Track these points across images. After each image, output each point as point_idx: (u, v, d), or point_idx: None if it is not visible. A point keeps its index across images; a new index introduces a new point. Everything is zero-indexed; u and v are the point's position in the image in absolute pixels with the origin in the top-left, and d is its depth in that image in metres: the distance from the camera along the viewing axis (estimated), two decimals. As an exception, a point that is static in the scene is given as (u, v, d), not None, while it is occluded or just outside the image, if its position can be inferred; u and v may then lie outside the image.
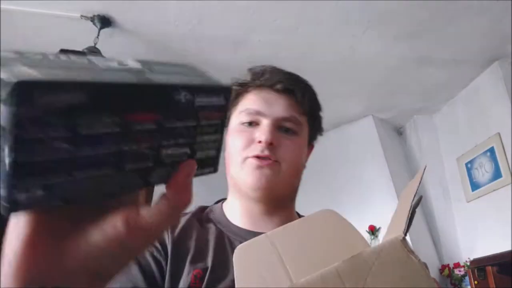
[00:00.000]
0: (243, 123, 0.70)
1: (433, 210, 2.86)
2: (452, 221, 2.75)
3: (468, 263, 2.36)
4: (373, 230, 2.68)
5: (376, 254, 0.35)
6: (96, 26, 2.13)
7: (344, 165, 3.07)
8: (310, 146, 0.78)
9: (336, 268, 0.35)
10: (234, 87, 0.74)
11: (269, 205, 0.70)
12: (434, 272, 2.56)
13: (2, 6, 2.05)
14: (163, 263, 0.62)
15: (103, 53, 2.05)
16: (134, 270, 0.60)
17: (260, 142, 0.66)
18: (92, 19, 2.12)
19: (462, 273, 2.49)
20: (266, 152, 0.66)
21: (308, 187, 3.67)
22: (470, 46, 2.36)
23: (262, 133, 0.67)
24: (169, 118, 0.26)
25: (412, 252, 0.35)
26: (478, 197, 2.54)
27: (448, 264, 2.60)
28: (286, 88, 0.71)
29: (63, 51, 2.00)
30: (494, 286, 2.04)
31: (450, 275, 2.54)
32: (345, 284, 0.34)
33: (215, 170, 0.32)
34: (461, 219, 2.70)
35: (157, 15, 2.13)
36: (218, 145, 0.31)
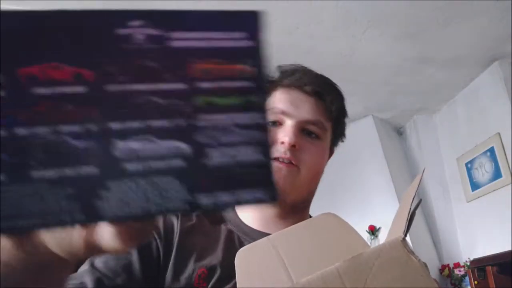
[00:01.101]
0: None
1: (433, 210, 2.86)
2: (452, 221, 2.75)
3: (468, 263, 2.36)
4: (373, 230, 2.68)
5: (376, 254, 0.35)
6: (96, 26, 2.13)
7: (344, 165, 3.07)
8: (331, 151, 0.77)
9: (336, 268, 0.35)
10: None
11: (283, 208, 0.69)
12: (434, 272, 2.56)
13: (2, 6, 2.05)
14: (161, 250, 0.61)
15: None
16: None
17: (283, 143, 0.64)
18: (92, 19, 2.13)
19: (462, 273, 2.50)
20: (288, 154, 0.64)
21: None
22: (470, 46, 2.36)
23: (285, 134, 0.65)
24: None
25: (412, 252, 0.35)
26: (478, 197, 2.53)
27: (448, 264, 2.60)
28: (316, 90, 0.69)
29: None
30: (494, 286, 2.04)
31: (450, 275, 2.55)
32: (346, 284, 0.34)
33: (272, 198, 0.21)
34: (461, 219, 2.70)
35: (157, 15, 2.13)
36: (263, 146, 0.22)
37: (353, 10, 2.08)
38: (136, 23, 0.21)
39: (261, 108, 0.21)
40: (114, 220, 0.20)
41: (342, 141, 0.79)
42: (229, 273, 0.59)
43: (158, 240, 0.62)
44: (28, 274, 0.25)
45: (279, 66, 0.74)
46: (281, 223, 0.69)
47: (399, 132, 3.35)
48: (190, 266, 0.60)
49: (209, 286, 0.58)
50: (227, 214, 0.71)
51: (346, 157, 3.10)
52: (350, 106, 2.92)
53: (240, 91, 0.21)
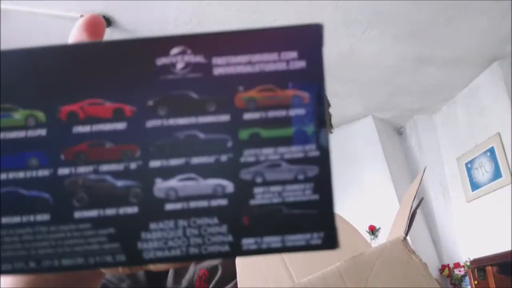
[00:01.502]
0: None
1: (433, 210, 2.86)
2: (452, 221, 2.75)
3: (468, 263, 2.36)
4: (373, 230, 2.68)
5: (377, 254, 0.35)
6: (96, 26, 2.13)
7: (344, 165, 3.08)
8: None
9: (338, 268, 0.35)
10: None
11: None
12: (434, 272, 2.57)
13: (2, 6, 2.05)
14: None
15: (103, 53, 2.05)
16: None
17: None
18: (92, 19, 2.13)
19: (462, 273, 2.50)
20: None
21: (308, 187, 3.67)
22: (470, 46, 2.36)
23: None
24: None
25: (413, 252, 0.35)
26: (478, 197, 2.54)
27: (448, 264, 2.60)
28: None
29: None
30: (494, 286, 2.04)
31: (450, 275, 2.55)
32: (347, 283, 0.34)
33: (330, 244, 0.19)
34: (461, 219, 2.70)
35: (157, 15, 2.13)
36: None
37: (353, 10, 2.08)
38: (176, 50, 0.20)
39: (317, 139, 0.19)
40: (154, 262, 0.19)
41: (331, 132, 0.79)
42: (230, 273, 0.60)
43: None
44: (68, 282, 0.27)
45: None
46: None
47: (399, 132, 3.35)
48: (191, 268, 0.61)
49: (210, 286, 0.59)
50: None
51: (346, 157, 3.10)
52: (350, 106, 2.93)
53: (291, 120, 0.19)
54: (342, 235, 0.49)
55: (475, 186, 2.58)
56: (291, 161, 0.19)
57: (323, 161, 0.19)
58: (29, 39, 2.34)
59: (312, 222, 0.19)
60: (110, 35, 2.25)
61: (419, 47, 2.36)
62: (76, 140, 0.19)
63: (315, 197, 0.19)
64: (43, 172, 0.19)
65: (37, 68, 0.20)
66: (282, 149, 0.19)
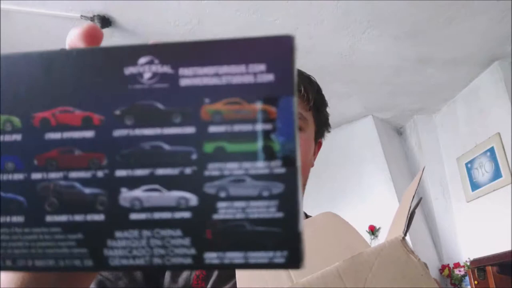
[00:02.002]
0: None
1: (433, 210, 2.86)
2: (452, 221, 2.75)
3: (468, 263, 2.36)
4: (373, 230, 2.68)
5: (376, 254, 0.35)
6: (96, 26, 2.13)
7: (344, 165, 3.08)
8: (318, 143, 0.76)
9: (336, 268, 0.35)
10: None
11: None
12: (434, 272, 2.57)
13: (2, 6, 2.05)
14: None
15: (103, 53, 2.05)
16: None
17: None
18: (92, 19, 2.13)
19: (462, 273, 2.50)
20: None
21: (308, 187, 3.66)
22: (470, 46, 2.36)
23: None
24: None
25: (412, 252, 0.35)
26: (478, 197, 2.54)
27: (448, 264, 2.60)
28: None
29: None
30: (494, 286, 2.04)
31: (450, 275, 2.55)
32: (346, 284, 0.34)
33: (294, 262, 0.19)
34: (461, 219, 2.70)
35: (157, 15, 2.13)
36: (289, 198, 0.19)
37: (353, 10, 2.08)
38: (144, 60, 0.19)
39: (283, 156, 0.18)
40: (119, 269, 0.20)
41: (328, 131, 0.79)
42: (228, 272, 0.59)
43: None
44: (61, 280, 0.28)
45: None
46: None
47: (399, 132, 3.35)
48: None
49: (208, 286, 0.58)
50: None
51: (346, 157, 3.10)
52: (350, 106, 2.92)
53: (256, 135, 0.19)
54: (341, 235, 0.49)
55: (475, 186, 2.58)
56: (256, 177, 0.18)
57: (289, 178, 0.18)
58: (29, 39, 2.34)
59: (275, 240, 0.18)
60: (110, 35, 2.25)
61: (419, 47, 2.36)
62: (48, 147, 0.20)
63: (279, 215, 0.18)
64: (18, 176, 0.20)
65: (14, 74, 0.20)
66: (247, 164, 0.19)
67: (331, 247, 0.42)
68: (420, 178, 0.44)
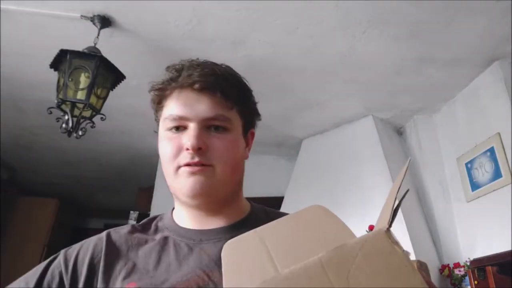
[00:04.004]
0: (170, 129, 0.68)
1: (433, 210, 2.86)
2: (452, 221, 2.75)
3: (468, 263, 2.36)
4: (373, 230, 2.68)
5: (360, 245, 0.35)
6: (96, 26, 2.13)
7: (344, 165, 3.08)
8: (250, 134, 0.76)
9: (320, 259, 0.35)
10: (153, 93, 0.71)
11: (211, 207, 0.70)
12: (434, 272, 2.56)
13: (2, 6, 2.05)
14: (66, 282, 0.64)
15: (103, 53, 2.05)
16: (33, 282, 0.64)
17: (188, 149, 0.65)
18: (92, 19, 2.13)
19: (462, 273, 2.49)
20: (196, 159, 0.64)
21: (308, 187, 3.67)
22: (470, 46, 2.36)
23: (188, 139, 0.65)
24: None
25: (396, 243, 0.35)
26: (478, 197, 2.53)
27: (448, 264, 2.60)
28: (205, 87, 0.67)
29: (63, 51, 2.00)
30: (494, 286, 2.04)
31: (450, 275, 2.54)
32: (328, 274, 0.33)
33: None
34: (461, 219, 2.70)
35: (157, 15, 2.13)
36: None
37: (353, 10, 2.08)
38: None
39: None
40: None
41: (259, 119, 0.78)
42: (160, 278, 0.62)
43: (64, 274, 0.65)
44: None
45: (167, 67, 0.71)
46: (216, 218, 0.70)
47: (399, 132, 3.35)
48: (118, 284, 0.62)
49: None
50: (163, 222, 0.73)
51: (346, 157, 3.10)
52: (350, 106, 2.93)
53: None
54: (328, 227, 0.49)
55: (475, 186, 2.58)
56: None
57: None
58: (29, 39, 2.34)
59: None
60: (110, 35, 2.25)
61: (419, 47, 2.36)
62: None
63: None
64: None
65: None
66: None
67: (318, 238, 0.42)
68: (406, 171, 0.43)
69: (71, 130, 1.99)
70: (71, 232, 5.28)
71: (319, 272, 0.33)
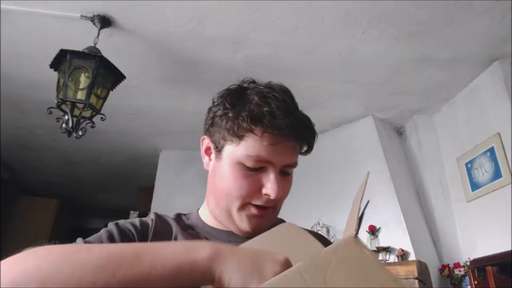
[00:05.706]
0: (247, 166, 0.66)
1: (433, 210, 2.86)
2: (452, 221, 2.75)
3: (468, 263, 2.36)
4: (373, 230, 2.68)
5: (333, 251, 0.39)
6: (96, 26, 2.13)
7: (344, 165, 3.08)
8: None
9: (297, 267, 0.38)
10: (241, 122, 0.66)
11: None
12: (434, 272, 2.56)
13: (2, 6, 2.05)
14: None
15: (103, 53, 2.05)
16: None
17: (266, 194, 0.65)
18: (92, 19, 2.13)
19: (462, 273, 2.49)
20: (271, 204, 0.67)
21: (308, 187, 3.66)
22: (470, 46, 2.36)
23: (271, 188, 0.65)
24: None
25: (365, 247, 0.40)
26: (478, 197, 2.53)
27: (448, 264, 2.60)
28: (296, 135, 0.67)
29: (63, 51, 2.00)
30: (494, 286, 2.04)
31: (450, 275, 2.54)
32: (307, 281, 0.37)
33: None
34: (461, 219, 2.70)
35: (157, 15, 2.13)
36: None
37: (353, 10, 2.08)
38: None
39: None
40: None
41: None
42: None
43: (135, 234, 0.66)
44: None
45: (256, 103, 0.66)
46: None
47: (399, 132, 3.35)
48: None
49: None
50: (191, 221, 0.75)
51: (346, 157, 3.10)
52: (350, 106, 2.92)
53: None
54: (298, 242, 0.55)
55: (475, 186, 2.58)
56: None
57: None
58: (29, 39, 2.34)
59: None
60: (110, 35, 2.25)
61: (419, 47, 2.35)
62: None
63: None
64: None
65: None
66: None
67: (290, 252, 0.46)
68: (366, 182, 0.49)
69: (71, 130, 1.99)
70: (71, 232, 5.29)
71: (298, 279, 0.37)
